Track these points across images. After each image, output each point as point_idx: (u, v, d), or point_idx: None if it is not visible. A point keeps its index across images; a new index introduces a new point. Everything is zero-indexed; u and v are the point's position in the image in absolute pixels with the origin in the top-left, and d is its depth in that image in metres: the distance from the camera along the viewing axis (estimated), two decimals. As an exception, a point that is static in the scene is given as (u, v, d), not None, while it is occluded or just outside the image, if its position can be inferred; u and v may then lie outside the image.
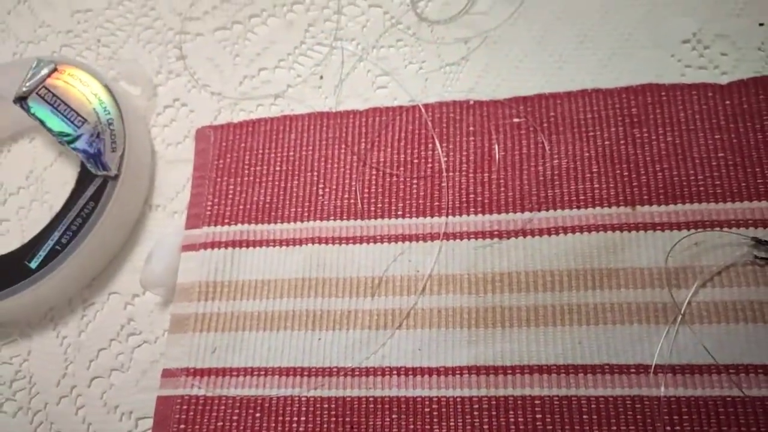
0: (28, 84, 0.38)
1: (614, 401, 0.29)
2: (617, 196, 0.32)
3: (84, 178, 0.36)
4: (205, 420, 0.32)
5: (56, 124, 0.37)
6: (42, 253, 0.35)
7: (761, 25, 0.35)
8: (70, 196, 0.36)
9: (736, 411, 0.28)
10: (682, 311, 0.29)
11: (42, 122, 0.38)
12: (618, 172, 0.33)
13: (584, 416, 0.29)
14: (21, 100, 0.38)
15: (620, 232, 0.31)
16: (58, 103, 0.38)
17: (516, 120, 0.35)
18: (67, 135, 0.37)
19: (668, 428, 0.28)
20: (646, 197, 0.32)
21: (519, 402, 0.30)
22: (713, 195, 0.31)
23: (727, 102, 0.33)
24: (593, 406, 0.29)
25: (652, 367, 0.29)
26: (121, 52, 0.43)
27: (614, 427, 0.28)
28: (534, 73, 0.37)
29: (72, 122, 0.37)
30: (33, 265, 0.35)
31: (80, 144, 0.37)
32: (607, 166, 0.33)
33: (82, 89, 0.38)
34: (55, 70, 0.39)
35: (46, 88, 0.38)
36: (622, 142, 0.33)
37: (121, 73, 0.42)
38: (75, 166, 0.38)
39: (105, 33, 0.44)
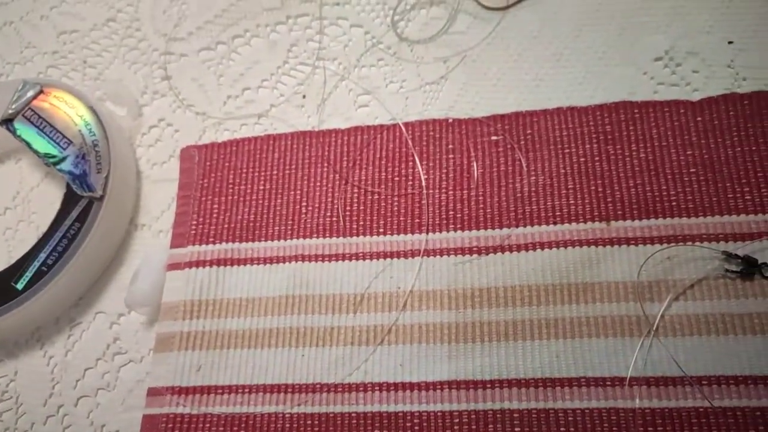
0: (14, 106, 0.39)
1: (590, 413, 0.29)
2: (592, 211, 0.33)
3: (70, 199, 0.37)
4: (191, 438, 0.32)
5: (42, 145, 0.38)
6: (28, 274, 0.35)
7: (730, 43, 0.36)
8: (56, 217, 0.36)
9: (708, 422, 0.28)
10: (655, 325, 0.30)
11: (28, 144, 0.38)
12: (593, 188, 0.33)
13: (562, 428, 0.29)
14: (7, 122, 0.39)
15: (595, 247, 0.32)
16: (44, 124, 0.38)
17: (494, 138, 0.36)
18: (53, 156, 0.38)
19: (643, 439, 0.28)
20: (620, 212, 0.33)
21: (498, 415, 0.30)
22: (685, 210, 0.32)
23: (699, 119, 0.34)
24: (570, 418, 0.29)
25: (627, 379, 0.29)
26: (107, 72, 0.44)
27: (591, 439, 0.29)
28: (511, 91, 0.37)
29: (58, 144, 0.38)
30: (19, 286, 0.35)
31: (66, 165, 0.37)
32: (582, 183, 0.34)
33: (68, 111, 0.39)
34: (41, 92, 0.39)
35: (32, 110, 0.39)
36: (596, 158, 0.34)
37: (106, 93, 0.42)
38: (61, 187, 0.38)
39: (91, 54, 0.45)
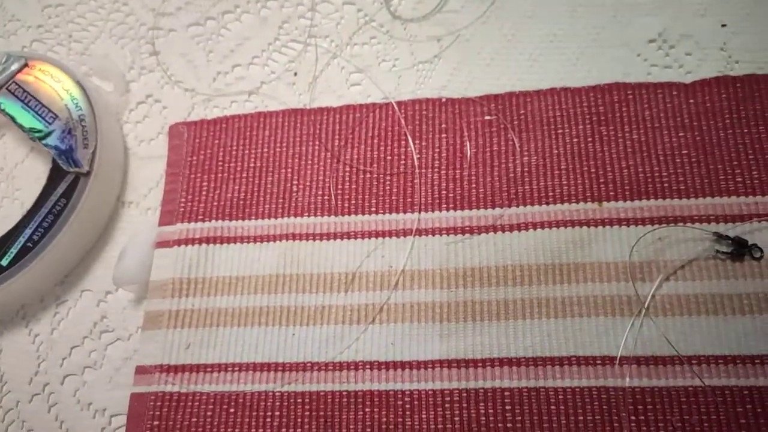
0: (-3, 79, 0.38)
1: (581, 392, 0.29)
2: (584, 192, 0.33)
3: (55, 175, 0.36)
4: (179, 416, 0.32)
5: (27, 120, 0.37)
6: (13, 251, 0.35)
7: (724, 26, 0.36)
8: (42, 192, 0.36)
9: (697, 400, 0.28)
10: (646, 304, 0.30)
11: (12, 118, 0.37)
12: (585, 168, 0.33)
13: (552, 407, 0.29)
14: (-10, 95, 0.38)
15: (587, 228, 0.32)
16: (29, 98, 0.38)
17: (487, 117, 0.36)
18: (39, 131, 0.37)
19: (633, 417, 0.29)
20: (612, 193, 0.33)
21: (489, 394, 0.30)
22: (677, 191, 0.32)
23: (691, 101, 0.34)
24: (560, 396, 0.29)
25: (618, 358, 0.30)
26: (93, 47, 0.43)
27: (581, 417, 0.29)
28: (505, 71, 0.37)
29: (43, 118, 0.37)
30: (4, 262, 0.34)
31: (52, 140, 0.36)
32: (575, 163, 0.34)
33: (54, 85, 0.38)
34: (25, 65, 0.38)
35: (17, 84, 0.38)
36: (589, 139, 0.34)
37: (93, 68, 0.41)
38: (46, 163, 0.37)
39: (77, 28, 0.44)
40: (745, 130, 0.33)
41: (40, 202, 0.35)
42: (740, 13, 0.36)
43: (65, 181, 0.36)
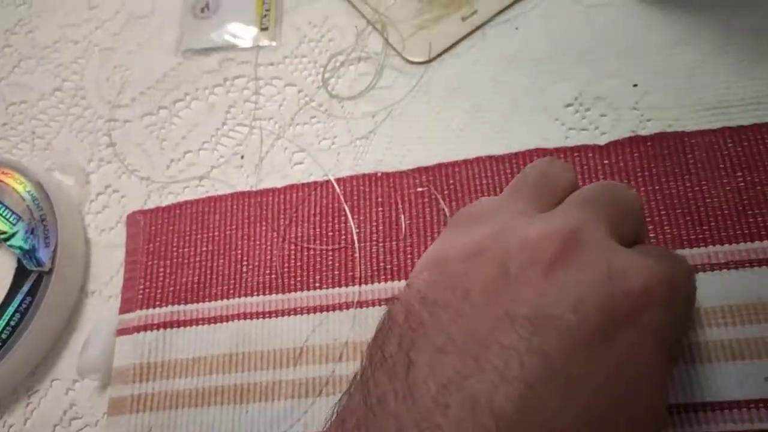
0: (-37, 185, 0.40)
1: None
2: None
3: (20, 274, 0.38)
4: (145, 497, 0.34)
5: (-7, 222, 0.40)
6: (-16, 349, 0.37)
7: (635, 86, 0.38)
8: (8, 292, 0.38)
9: None
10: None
11: (-21, 221, 0.40)
12: (510, 235, 0.36)
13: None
14: (-42, 201, 0.40)
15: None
16: (-6, 201, 0.40)
17: (419, 189, 0.38)
18: (4, 233, 0.39)
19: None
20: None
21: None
22: (595, 251, 0.34)
23: (606, 162, 0.36)
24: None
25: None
26: (55, 142, 0.45)
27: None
28: (435, 142, 0.40)
29: (8, 220, 0.40)
30: (-24, 361, 0.37)
31: (16, 241, 0.39)
32: (500, 230, 0.36)
33: (16, 186, 0.40)
34: (-11, 169, 0.41)
35: (-18, 187, 0.41)
36: (513, 205, 0.36)
37: (55, 163, 0.44)
38: (12, 262, 0.40)
39: (39, 124, 0.46)
40: (657, 187, 0.35)
41: (7, 302, 0.38)
42: (650, 72, 0.38)
43: (30, 279, 0.38)
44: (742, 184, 0.34)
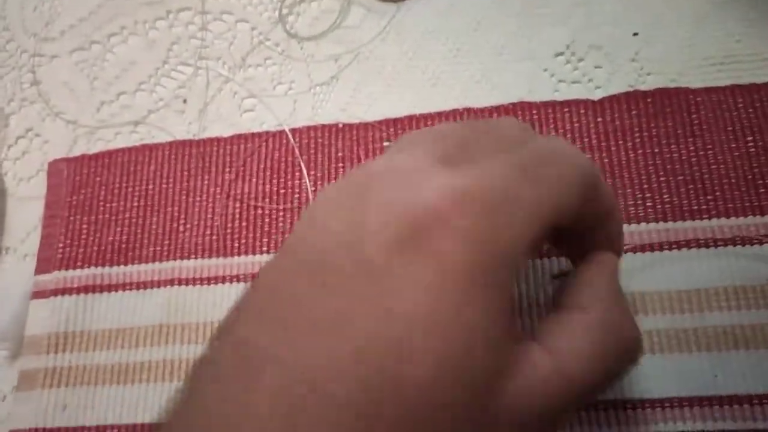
0: None
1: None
2: (485, 224, 0.31)
3: None
4: (54, 488, 0.29)
5: None
6: None
7: (635, 34, 0.34)
8: None
9: None
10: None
11: None
12: (486, 198, 0.31)
13: None
14: None
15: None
16: None
17: (386, 143, 0.33)
18: None
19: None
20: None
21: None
22: (583, 219, 0.30)
23: (599, 119, 0.32)
24: None
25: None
26: (-29, 77, 0.40)
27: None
28: (406, 91, 0.35)
29: None
30: None
31: None
32: (476, 192, 0.31)
33: None
34: None
35: None
36: (491, 165, 0.32)
37: (-31, 101, 0.38)
38: None
39: (-46, 56, 0.40)
40: (656, 150, 0.31)
41: None
42: (652, 19, 0.34)
43: (-73, 231, 0.33)
44: (752, 149, 0.30)
